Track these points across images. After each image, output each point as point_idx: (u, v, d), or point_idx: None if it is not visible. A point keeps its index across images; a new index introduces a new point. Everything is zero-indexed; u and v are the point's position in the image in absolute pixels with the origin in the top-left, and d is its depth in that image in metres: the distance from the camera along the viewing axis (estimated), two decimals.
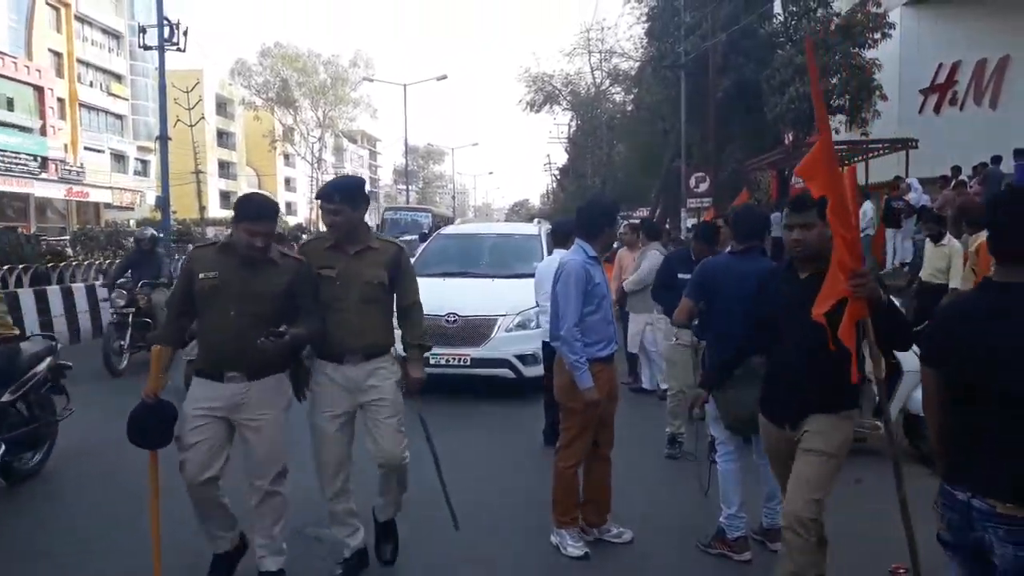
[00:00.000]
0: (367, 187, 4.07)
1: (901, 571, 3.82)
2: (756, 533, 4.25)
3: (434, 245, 9.94)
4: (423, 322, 4.05)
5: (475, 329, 7.87)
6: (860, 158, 21.26)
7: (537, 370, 7.58)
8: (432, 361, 7.46)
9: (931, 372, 2.40)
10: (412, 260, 9.42)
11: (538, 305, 6.77)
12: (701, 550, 4.19)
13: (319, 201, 3.80)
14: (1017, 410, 2.12)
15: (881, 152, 20.16)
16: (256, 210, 3.49)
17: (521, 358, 7.81)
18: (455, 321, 7.85)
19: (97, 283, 12.70)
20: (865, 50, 19.48)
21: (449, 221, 25.50)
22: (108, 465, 5.59)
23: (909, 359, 5.41)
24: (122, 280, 9.56)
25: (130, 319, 9.25)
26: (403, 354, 3.97)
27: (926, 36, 20.93)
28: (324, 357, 3.75)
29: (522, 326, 7.89)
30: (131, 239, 10.71)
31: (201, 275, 3.50)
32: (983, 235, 5.90)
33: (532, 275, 8.21)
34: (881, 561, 3.88)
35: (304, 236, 23.89)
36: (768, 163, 23.55)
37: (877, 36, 19.25)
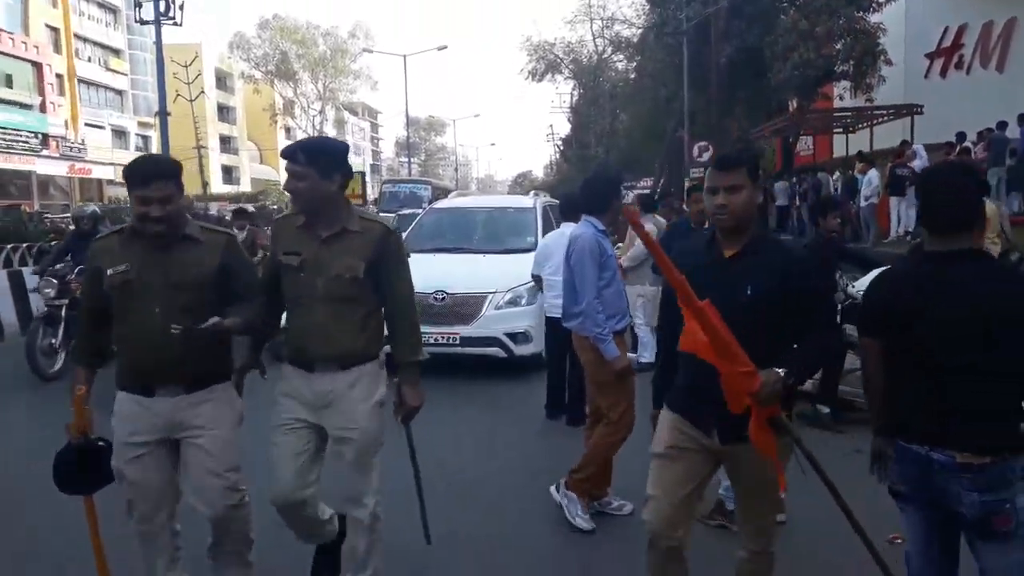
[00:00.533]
0: (351, 154, 3.26)
1: (899, 540, 3.86)
2: None
3: (426, 220, 9.73)
4: (418, 328, 3.30)
5: (464, 307, 7.66)
6: (864, 124, 21.10)
7: (528, 348, 7.59)
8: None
9: (871, 340, 2.48)
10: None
11: (533, 281, 6.71)
12: (701, 521, 4.21)
13: (285, 163, 3.02)
14: (961, 371, 2.26)
15: (886, 118, 20.00)
16: (143, 173, 2.75)
17: (512, 336, 7.61)
18: (443, 298, 7.65)
19: (26, 269, 10.92)
20: (870, 14, 19.25)
21: (447, 193, 25.43)
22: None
23: None
24: (59, 266, 8.02)
25: (63, 312, 7.82)
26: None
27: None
28: (293, 363, 3.04)
29: (513, 303, 7.70)
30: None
31: (110, 271, 2.81)
32: (988, 202, 6.16)
33: (526, 250, 8.09)
34: (879, 533, 3.91)
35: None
36: (773, 130, 23.39)
37: (882, 0, 19.02)
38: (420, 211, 17.59)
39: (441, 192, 25.89)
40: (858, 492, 3.05)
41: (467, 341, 7.60)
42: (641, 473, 5.06)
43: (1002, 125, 14.71)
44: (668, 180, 32.55)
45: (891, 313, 2.39)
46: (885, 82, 19.42)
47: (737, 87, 24.22)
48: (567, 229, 5.52)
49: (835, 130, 23.42)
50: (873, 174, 15.60)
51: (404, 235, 9.27)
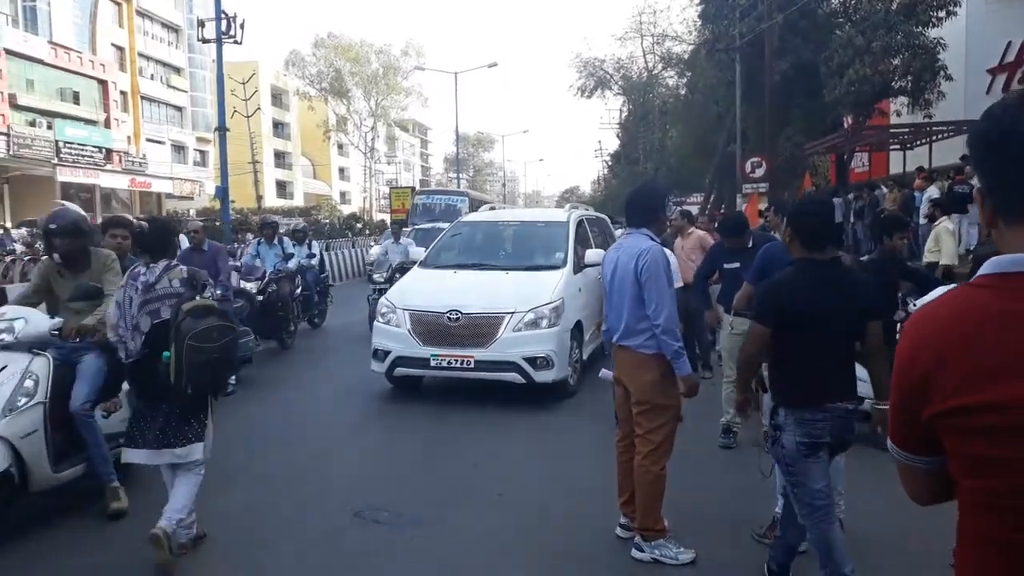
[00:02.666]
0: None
1: None
2: None
3: (452, 233, 9.23)
4: None
5: (479, 328, 7.11)
6: (923, 141, 20.61)
7: (550, 375, 7.06)
8: (433, 363, 7.15)
9: (762, 328, 3.32)
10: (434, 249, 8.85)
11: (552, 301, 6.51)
12: (756, 541, 4.14)
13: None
14: (848, 342, 3.32)
15: (946, 135, 19.49)
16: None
17: (531, 361, 7.02)
18: (458, 319, 7.13)
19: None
20: (929, 29, 18.84)
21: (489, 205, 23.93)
22: None
23: None
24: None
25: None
26: None
27: (994, 13, 20.10)
28: None
29: (533, 324, 7.11)
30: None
31: None
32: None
33: (554, 267, 7.86)
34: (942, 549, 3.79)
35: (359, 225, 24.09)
36: (827, 147, 22.98)
37: (942, 14, 18.59)
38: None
39: (481, 205, 25.06)
40: (917, 509, 2.96)
41: (482, 365, 7.09)
42: (694, 492, 4.97)
43: None
44: (719, 197, 32.22)
45: (787, 307, 3.24)
46: (944, 98, 18.96)
47: (791, 103, 23.91)
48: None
49: (891, 147, 22.93)
50: (933, 190, 15.21)
51: (427, 250, 9.15)
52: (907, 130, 20.75)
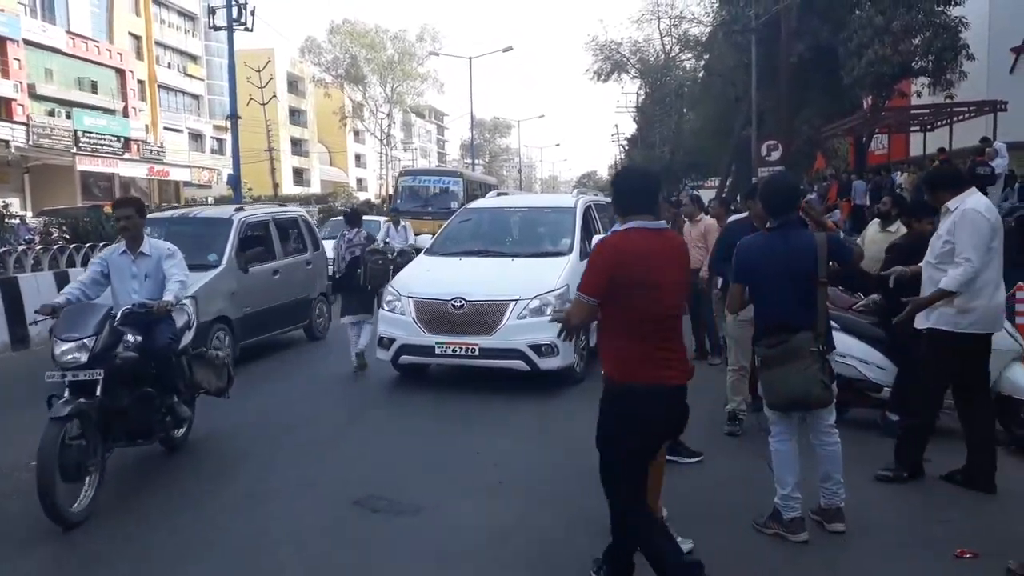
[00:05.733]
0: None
1: (967, 555, 3.72)
2: (814, 513, 4.12)
3: (458, 220, 9.21)
4: None
5: (483, 315, 7.07)
6: (943, 122, 20.27)
7: (555, 362, 7.00)
8: (438, 351, 7.15)
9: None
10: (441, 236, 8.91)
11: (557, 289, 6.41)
12: (756, 530, 4.09)
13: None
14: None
15: (967, 116, 19.14)
16: None
17: (536, 348, 6.93)
18: (462, 306, 7.09)
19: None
20: (951, 7, 18.46)
21: (492, 189, 20.92)
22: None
23: (1001, 338, 4.90)
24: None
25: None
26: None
27: None
28: None
29: (539, 312, 6.97)
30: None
31: None
32: None
33: (561, 253, 7.79)
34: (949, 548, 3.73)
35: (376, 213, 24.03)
36: (845, 129, 22.67)
37: None
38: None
39: (480, 188, 21.67)
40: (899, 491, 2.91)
41: (486, 353, 7.07)
42: (696, 480, 4.92)
43: None
44: (736, 180, 31.92)
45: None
46: (966, 78, 18.60)
47: (808, 85, 23.57)
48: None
49: (912, 128, 22.56)
50: None
51: (432, 238, 9.21)
52: (927, 111, 20.41)
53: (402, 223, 14.79)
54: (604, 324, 3.27)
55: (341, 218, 12.18)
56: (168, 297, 5.04)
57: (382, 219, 17.04)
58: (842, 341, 5.23)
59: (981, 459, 4.56)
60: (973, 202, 4.40)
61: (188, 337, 5.64)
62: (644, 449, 3.25)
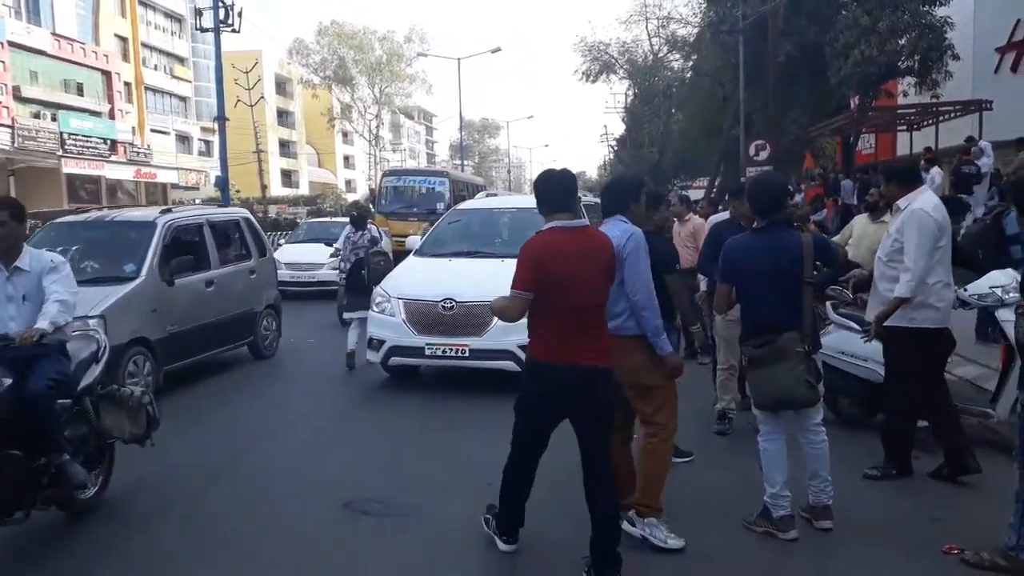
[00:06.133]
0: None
1: (955, 551, 3.74)
2: (803, 511, 4.14)
3: (447, 222, 9.24)
4: None
5: (473, 316, 7.03)
6: (930, 122, 20.41)
7: None
8: (428, 352, 7.14)
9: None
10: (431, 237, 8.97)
11: None
12: (746, 528, 4.10)
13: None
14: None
15: (953, 115, 19.27)
16: None
17: (525, 348, 7.16)
18: (452, 307, 7.12)
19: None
20: (936, 7, 18.58)
21: (480, 189, 20.35)
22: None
23: None
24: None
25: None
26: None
27: None
28: None
29: None
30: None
31: None
32: None
33: None
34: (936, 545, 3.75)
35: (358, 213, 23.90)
36: (832, 129, 22.78)
37: None
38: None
39: (467, 188, 21.16)
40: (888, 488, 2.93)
41: (476, 354, 7.06)
42: (686, 479, 4.93)
43: None
44: (724, 179, 32.02)
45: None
46: (952, 78, 18.72)
47: (796, 85, 23.66)
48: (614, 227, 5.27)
49: (899, 127, 22.70)
50: (936, 172, 15.03)
51: (422, 240, 9.22)
52: (914, 111, 20.54)
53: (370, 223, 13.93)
54: (531, 312, 3.57)
55: (317, 220, 12.54)
56: (42, 323, 3.95)
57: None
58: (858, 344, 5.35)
59: (953, 441, 4.64)
60: (922, 201, 4.49)
61: (95, 372, 4.52)
62: (551, 419, 3.66)
